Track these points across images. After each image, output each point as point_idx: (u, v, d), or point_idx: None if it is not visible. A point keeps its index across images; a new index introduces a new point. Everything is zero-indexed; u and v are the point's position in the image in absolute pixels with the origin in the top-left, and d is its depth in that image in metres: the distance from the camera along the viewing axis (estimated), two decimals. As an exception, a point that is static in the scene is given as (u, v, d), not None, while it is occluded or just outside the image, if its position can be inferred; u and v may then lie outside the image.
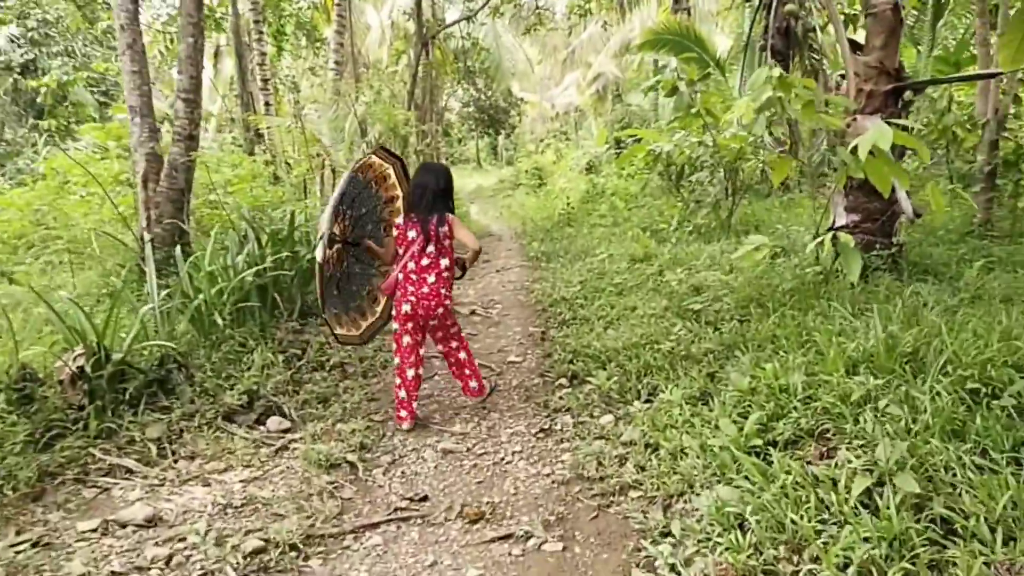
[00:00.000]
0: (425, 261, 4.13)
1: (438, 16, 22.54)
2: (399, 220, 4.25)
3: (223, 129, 30.24)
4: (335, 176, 9.02)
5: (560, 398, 4.61)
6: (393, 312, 4.27)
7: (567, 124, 38.06)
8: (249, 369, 4.53)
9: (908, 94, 6.65)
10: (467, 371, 4.55)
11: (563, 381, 5.00)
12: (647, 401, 4.31)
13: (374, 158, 4.60)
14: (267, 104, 16.14)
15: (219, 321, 4.68)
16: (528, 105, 34.92)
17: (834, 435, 3.32)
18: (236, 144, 19.20)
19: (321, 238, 4.03)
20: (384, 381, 5.08)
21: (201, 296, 4.76)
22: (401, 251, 4.19)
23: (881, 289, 5.31)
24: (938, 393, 3.33)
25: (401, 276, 4.16)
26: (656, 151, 12.65)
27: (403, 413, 4.26)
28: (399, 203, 4.77)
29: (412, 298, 4.14)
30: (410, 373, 4.23)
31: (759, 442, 3.31)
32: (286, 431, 4.13)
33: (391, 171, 4.71)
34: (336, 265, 4.49)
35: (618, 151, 25.95)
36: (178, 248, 5.24)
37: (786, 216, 10.16)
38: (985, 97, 7.89)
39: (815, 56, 14.91)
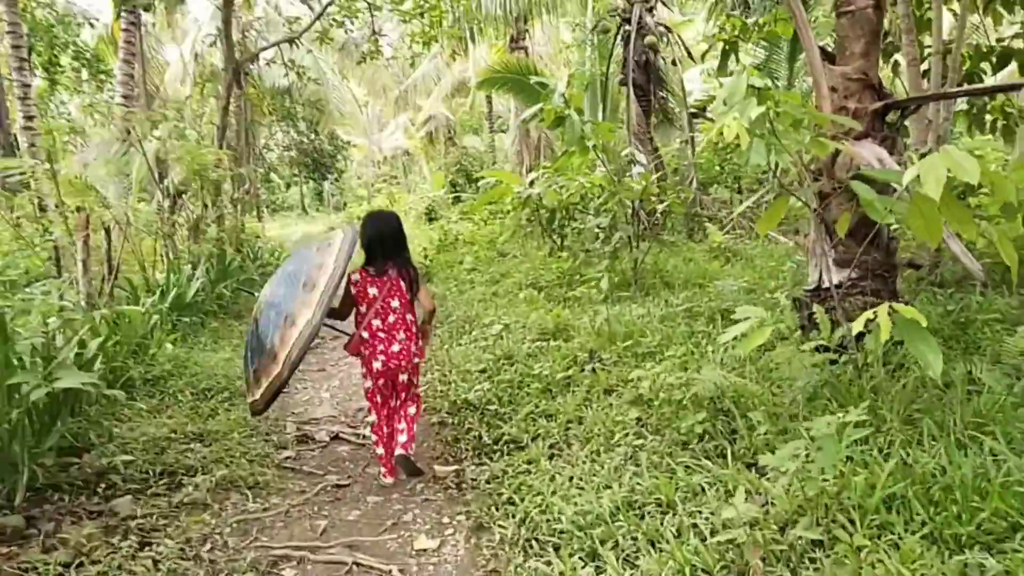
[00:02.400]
0: (392, 318, 3.92)
1: (249, 48, 19.61)
2: (355, 276, 3.91)
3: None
4: (109, 237, 6.14)
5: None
6: (364, 370, 4.02)
7: (396, 168, 35.90)
8: None
9: (892, 115, 5.15)
10: (402, 429, 4.00)
11: (532, 603, 2.74)
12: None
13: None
14: (33, 146, 12.57)
15: None
16: (355, 148, 32.35)
17: None
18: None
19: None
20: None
21: None
22: (363, 309, 3.92)
23: (956, 382, 3.58)
24: None
25: (367, 335, 3.90)
26: (523, 194, 10.83)
27: (382, 470, 4.00)
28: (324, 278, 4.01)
29: (382, 356, 3.91)
30: (385, 429, 4.02)
31: None
32: None
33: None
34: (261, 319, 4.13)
35: (456, 195, 24.23)
36: None
37: (693, 267, 8.56)
38: (922, 124, 6.70)
39: (662, 93, 13.96)
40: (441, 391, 5.30)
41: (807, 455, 2.59)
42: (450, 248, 13.35)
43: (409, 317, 3.93)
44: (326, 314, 3.63)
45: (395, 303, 3.87)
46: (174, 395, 4.96)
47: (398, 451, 3.90)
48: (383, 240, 3.89)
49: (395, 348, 3.87)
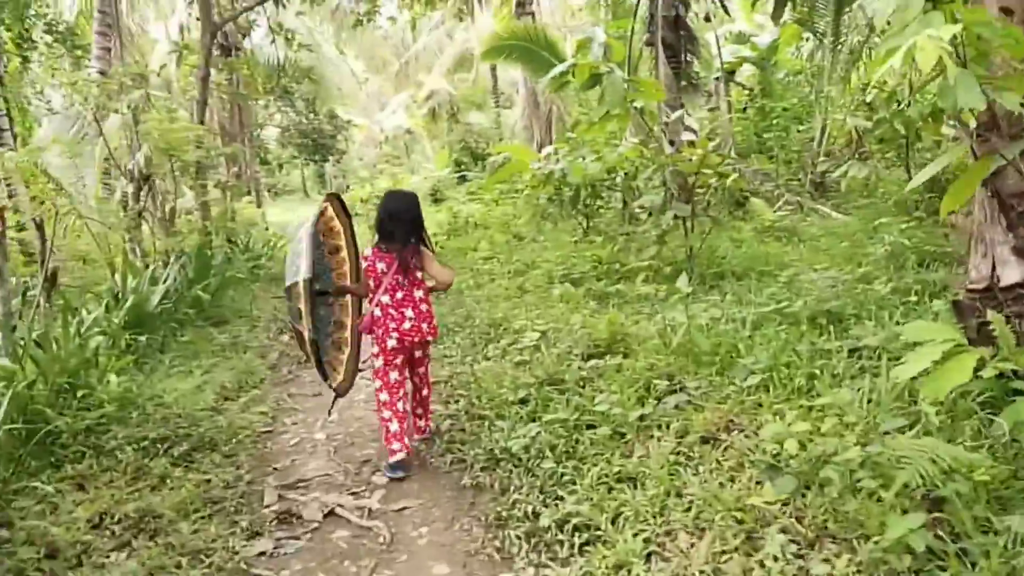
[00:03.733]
0: (400, 295, 3.76)
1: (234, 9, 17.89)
2: (367, 251, 3.83)
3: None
4: (43, 234, 4.66)
5: None
6: (375, 349, 3.84)
7: (398, 148, 34.30)
8: None
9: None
10: (420, 411, 4.05)
11: None
12: None
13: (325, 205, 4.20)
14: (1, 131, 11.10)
15: None
16: (356, 128, 30.75)
17: None
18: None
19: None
20: None
21: None
22: (372, 284, 3.81)
23: None
24: None
25: (379, 311, 3.77)
26: (544, 170, 9.43)
27: (396, 446, 3.72)
28: (343, 252, 4.27)
29: (396, 333, 3.74)
30: (400, 406, 3.81)
31: None
32: None
33: (329, 209, 4.19)
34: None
35: (461, 175, 22.73)
36: None
37: (748, 251, 7.15)
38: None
39: (691, 55, 12.41)
40: (471, 432, 3.91)
41: None
42: (461, 232, 11.95)
43: (418, 294, 3.79)
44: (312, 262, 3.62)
45: (404, 280, 3.75)
46: (112, 453, 3.58)
47: (416, 437, 3.92)
48: (394, 217, 3.76)
49: (406, 325, 3.75)
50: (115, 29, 13.40)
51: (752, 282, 5.85)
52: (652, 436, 3.39)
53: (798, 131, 11.37)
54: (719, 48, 11.84)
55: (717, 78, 12.98)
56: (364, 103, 30.56)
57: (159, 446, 3.70)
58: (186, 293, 6.44)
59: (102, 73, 12.71)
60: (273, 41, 12.08)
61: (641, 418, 3.51)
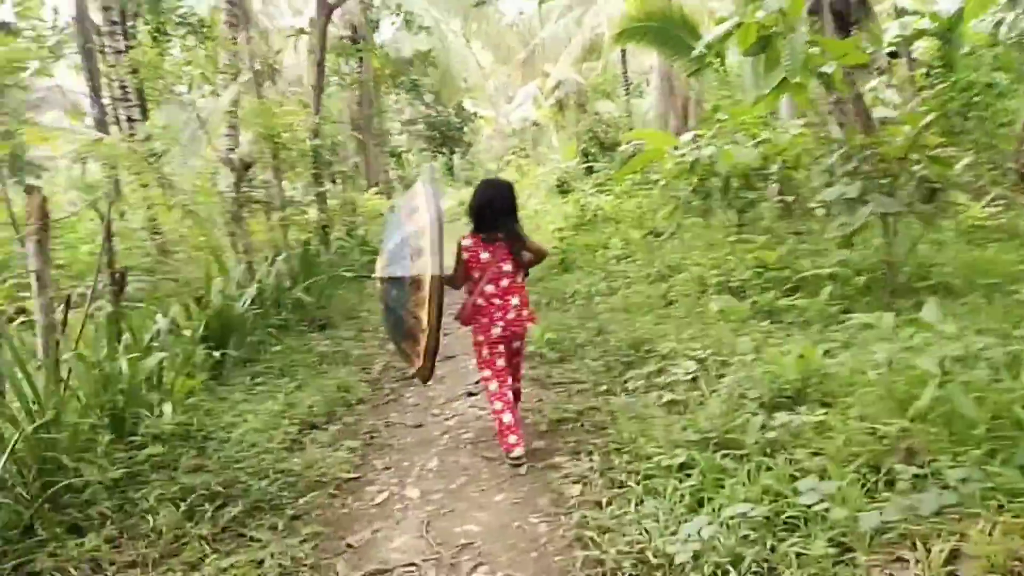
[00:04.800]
0: (505, 283, 3.70)
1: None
2: (467, 241, 3.70)
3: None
4: (109, 235, 3.95)
5: None
6: (480, 338, 3.73)
7: (525, 140, 33.53)
8: None
9: None
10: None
11: None
12: None
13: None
14: (131, 120, 11.08)
15: None
16: (483, 121, 30.23)
17: None
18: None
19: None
20: None
21: None
22: (476, 275, 3.69)
23: None
24: None
25: (482, 301, 3.68)
26: (688, 157, 8.13)
27: (512, 439, 3.56)
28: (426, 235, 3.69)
29: (501, 323, 3.68)
30: (509, 395, 3.73)
31: None
32: None
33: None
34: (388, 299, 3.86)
35: (588, 166, 21.53)
36: None
37: (958, 255, 5.57)
38: None
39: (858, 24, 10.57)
40: (611, 513, 2.78)
41: None
42: (589, 227, 10.76)
43: (519, 279, 3.74)
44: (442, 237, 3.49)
45: (507, 267, 3.68)
46: (149, 513, 2.75)
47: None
48: (493, 206, 3.70)
49: (511, 315, 3.68)
50: (242, 20, 13.26)
51: (980, 300, 4.35)
52: (899, 559, 2.13)
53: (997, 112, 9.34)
54: (898, 16, 9.95)
55: (893, 53, 11.06)
56: (491, 95, 29.95)
57: (207, 505, 2.84)
58: (287, 293, 5.71)
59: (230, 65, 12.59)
60: (394, 23, 11.39)
61: (878, 524, 2.25)
